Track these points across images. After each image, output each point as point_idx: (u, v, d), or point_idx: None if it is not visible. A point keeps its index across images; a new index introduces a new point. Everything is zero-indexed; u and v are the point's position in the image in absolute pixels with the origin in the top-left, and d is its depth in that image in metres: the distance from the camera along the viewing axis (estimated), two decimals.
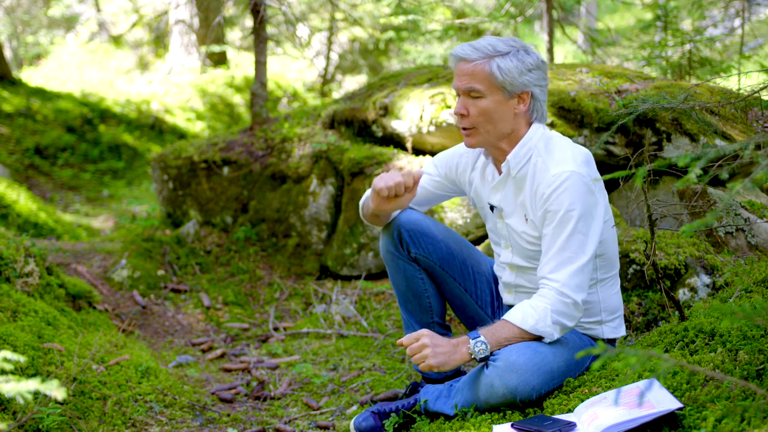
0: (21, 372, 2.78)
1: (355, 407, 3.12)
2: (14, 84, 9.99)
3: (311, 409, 3.17)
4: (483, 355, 2.42)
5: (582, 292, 2.45)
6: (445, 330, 2.89)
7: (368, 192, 2.85)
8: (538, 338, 2.45)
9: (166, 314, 4.30)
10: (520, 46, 2.52)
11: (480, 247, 4.05)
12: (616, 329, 2.68)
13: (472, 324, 2.90)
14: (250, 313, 4.42)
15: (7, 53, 12.85)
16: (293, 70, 12.82)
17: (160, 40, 13.41)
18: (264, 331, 4.18)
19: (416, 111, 4.44)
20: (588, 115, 3.87)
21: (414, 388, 2.91)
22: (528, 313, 2.44)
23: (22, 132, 8.96)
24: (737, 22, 8.22)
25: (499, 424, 2.34)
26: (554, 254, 2.44)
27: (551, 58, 5.84)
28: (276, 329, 4.20)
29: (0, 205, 6.25)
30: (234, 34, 14.12)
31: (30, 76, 12.43)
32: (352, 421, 2.78)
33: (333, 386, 3.38)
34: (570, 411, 2.28)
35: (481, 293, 2.87)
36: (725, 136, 3.65)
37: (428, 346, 2.41)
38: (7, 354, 1.58)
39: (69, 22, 14.18)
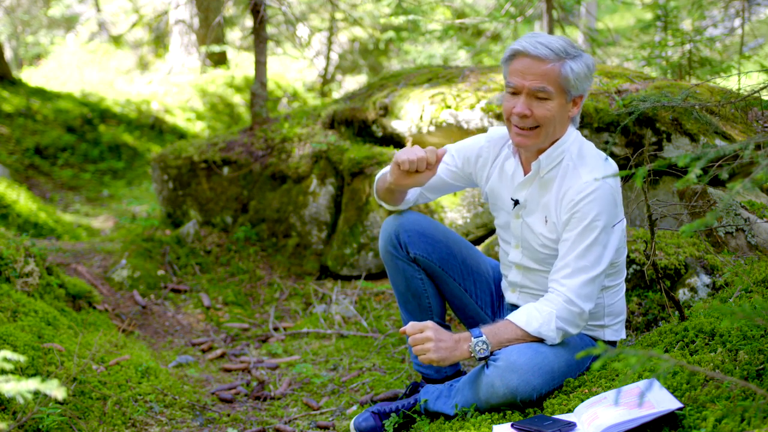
0: (21, 372, 2.78)
1: (355, 407, 3.12)
2: (14, 84, 9.99)
3: (311, 409, 3.17)
4: (483, 355, 2.41)
5: (590, 302, 2.45)
6: (445, 329, 2.89)
7: (386, 168, 2.80)
8: (540, 340, 2.45)
9: (166, 314, 4.30)
10: (579, 48, 2.49)
11: (480, 247, 4.05)
12: (618, 332, 2.68)
13: (472, 324, 2.89)
14: (250, 313, 4.42)
15: (7, 53, 12.85)
16: (293, 70, 12.82)
17: (160, 40, 13.41)
18: (264, 331, 4.18)
19: (416, 111, 4.44)
20: (588, 115, 3.87)
21: (414, 388, 2.91)
22: (533, 316, 2.44)
23: (22, 132, 8.96)
24: (737, 22, 8.22)
25: (499, 424, 2.34)
26: (571, 261, 2.43)
27: None
28: (276, 329, 4.20)
29: (0, 205, 6.25)
30: (234, 34, 14.12)
31: (30, 76, 12.44)
32: (352, 421, 2.78)
33: (333, 386, 3.38)
34: (570, 411, 2.28)
35: (480, 293, 2.87)
36: (725, 136, 3.65)
37: (432, 340, 2.40)
38: (7, 354, 1.58)
39: (69, 22, 14.18)
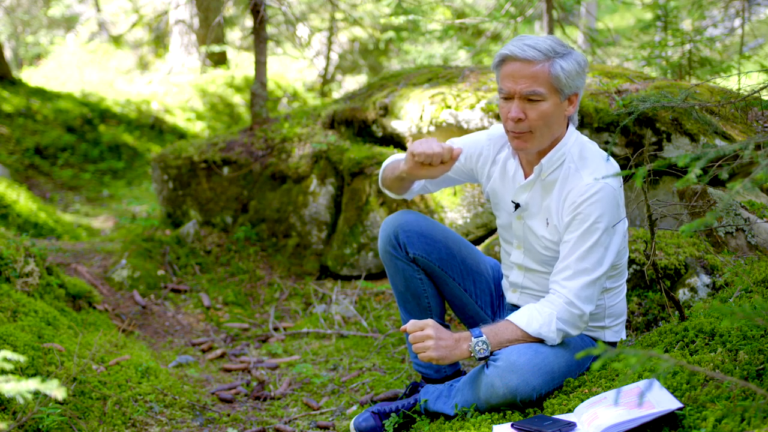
0: (21, 372, 2.78)
1: (355, 407, 3.12)
2: (14, 84, 10.00)
3: (311, 409, 3.17)
4: (483, 355, 2.41)
5: (591, 304, 2.44)
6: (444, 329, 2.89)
7: (393, 157, 2.79)
8: (540, 341, 2.45)
9: (166, 314, 4.30)
10: (569, 45, 2.49)
11: (480, 247, 4.05)
12: (618, 333, 2.68)
13: (472, 324, 2.89)
14: (250, 313, 4.42)
15: (7, 53, 12.85)
16: (293, 70, 12.82)
17: (160, 40, 13.41)
18: (264, 331, 4.18)
19: (416, 111, 4.44)
20: (588, 115, 3.87)
21: (414, 388, 2.91)
22: (533, 317, 2.44)
23: (22, 132, 8.96)
24: (737, 22, 8.23)
25: (499, 424, 2.34)
26: (572, 262, 2.43)
27: None
28: (276, 329, 4.20)
29: (0, 205, 6.25)
30: (234, 34, 14.12)
31: (30, 76, 12.44)
32: (352, 421, 2.78)
33: (333, 386, 3.38)
34: (570, 411, 2.28)
35: (480, 293, 2.87)
36: (725, 136, 3.64)
37: (432, 338, 2.40)
38: (7, 354, 1.58)
39: (69, 22, 14.18)
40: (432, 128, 4.39)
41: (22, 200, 6.54)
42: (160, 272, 4.61)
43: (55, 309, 3.51)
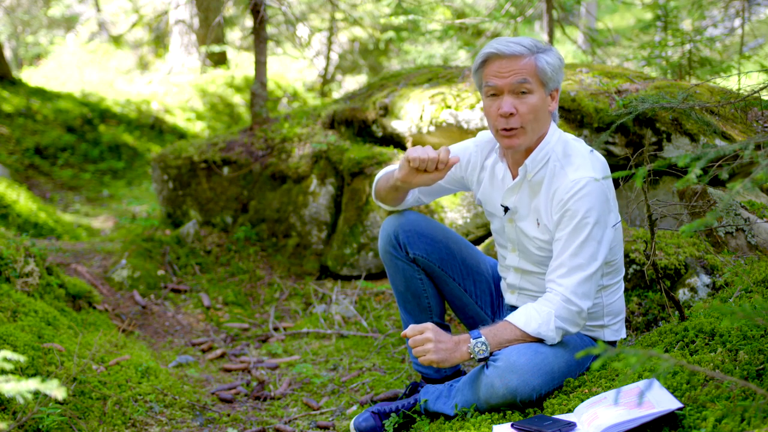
0: (21, 372, 2.78)
1: (355, 407, 3.12)
2: (14, 84, 9.99)
3: (311, 409, 3.17)
4: (482, 356, 2.41)
5: (588, 300, 2.44)
6: (444, 330, 2.89)
7: (385, 168, 2.80)
8: (539, 340, 2.45)
9: (166, 314, 4.30)
10: (547, 43, 2.51)
11: (480, 247, 4.05)
12: (618, 332, 2.68)
13: (472, 324, 2.90)
14: (250, 313, 4.42)
15: (7, 53, 12.85)
16: (293, 70, 12.82)
17: (160, 40, 13.41)
18: (264, 331, 4.18)
19: (416, 111, 4.44)
20: (588, 115, 3.87)
21: (414, 388, 2.91)
22: (532, 316, 2.44)
23: (22, 132, 8.96)
24: (737, 22, 8.22)
25: (499, 424, 2.34)
26: (565, 260, 2.43)
27: None
28: (276, 329, 4.20)
29: (0, 205, 6.25)
30: (234, 34, 14.12)
31: (30, 76, 12.43)
32: (352, 421, 2.78)
33: (333, 386, 3.38)
34: (570, 411, 2.28)
35: (480, 293, 2.87)
36: (725, 136, 3.64)
37: (431, 341, 2.40)
38: (7, 354, 1.58)
39: (69, 22, 14.18)
40: (432, 128, 4.39)
41: (22, 200, 6.54)
42: (160, 272, 4.61)
43: (55, 309, 3.51)
